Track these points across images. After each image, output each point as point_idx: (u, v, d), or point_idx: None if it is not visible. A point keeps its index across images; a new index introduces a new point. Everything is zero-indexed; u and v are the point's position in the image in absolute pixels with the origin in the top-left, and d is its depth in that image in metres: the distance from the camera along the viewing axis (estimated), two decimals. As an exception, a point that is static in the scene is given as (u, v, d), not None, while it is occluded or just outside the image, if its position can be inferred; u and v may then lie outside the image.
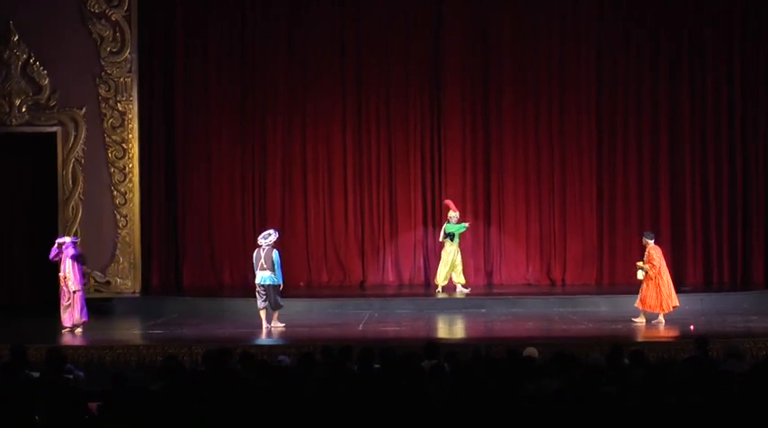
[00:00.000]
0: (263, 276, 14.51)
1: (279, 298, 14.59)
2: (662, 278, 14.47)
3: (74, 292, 14.53)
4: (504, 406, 6.99)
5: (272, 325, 14.49)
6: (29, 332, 14.92)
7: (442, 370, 8.19)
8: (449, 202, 17.93)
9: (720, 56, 18.90)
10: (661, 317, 14.49)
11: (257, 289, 14.60)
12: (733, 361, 9.13)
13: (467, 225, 17.72)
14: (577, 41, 19.12)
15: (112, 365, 12.47)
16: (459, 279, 17.41)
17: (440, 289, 17.44)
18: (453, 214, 17.53)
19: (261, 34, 19.16)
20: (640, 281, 14.53)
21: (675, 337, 13.46)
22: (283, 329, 14.44)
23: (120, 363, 12.54)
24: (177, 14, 18.94)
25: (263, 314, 14.56)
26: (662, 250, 14.85)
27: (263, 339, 13.88)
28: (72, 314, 14.55)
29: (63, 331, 14.56)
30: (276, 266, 14.44)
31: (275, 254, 14.52)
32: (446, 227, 17.50)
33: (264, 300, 14.52)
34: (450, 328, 15.53)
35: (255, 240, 19.06)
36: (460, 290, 17.35)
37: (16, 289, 18.56)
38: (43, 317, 16.64)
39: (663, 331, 14.05)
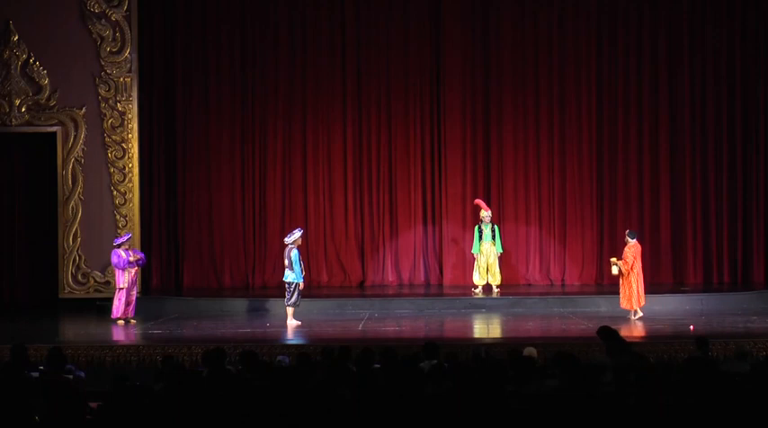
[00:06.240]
0: (285, 274, 15.00)
1: (296, 297, 14.88)
2: (636, 275, 14.80)
3: (118, 289, 15.40)
4: (503, 406, 6.99)
5: (287, 321, 14.81)
6: (29, 332, 14.92)
7: (441, 371, 8.18)
8: (479, 202, 17.90)
9: (721, 56, 18.91)
10: (632, 315, 14.91)
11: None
12: (737, 361, 9.14)
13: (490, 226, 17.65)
14: (577, 41, 19.12)
15: (112, 365, 12.48)
16: (494, 280, 17.39)
17: (479, 289, 17.40)
18: (486, 214, 17.51)
19: (261, 34, 19.17)
20: (615, 276, 15.01)
21: (675, 337, 13.45)
22: (297, 326, 14.65)
23: (120, 363, 12.54)
24: (177, 14, 18.95)
25: (288, 311, 14.94)
26: (641, 249, 15.17)
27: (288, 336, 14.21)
28: (118, 308, 15.33)
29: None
30: (294, 264, 14.83)
31: (293, 253, 14.91)
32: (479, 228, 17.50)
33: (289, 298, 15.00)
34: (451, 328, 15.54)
35: (255, 240, 19.30)
36: (495, 291, 17.34)
37: (16, 289, 18.56)
38: (43, 317, 16.66)
39: (642, 328, 14.30)
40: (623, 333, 13.84)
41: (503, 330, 15.13)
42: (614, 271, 14.87)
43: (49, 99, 17.79)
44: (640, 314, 14.92)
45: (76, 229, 17.75)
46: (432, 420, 6.86)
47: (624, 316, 14.98)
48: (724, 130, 18.95)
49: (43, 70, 17.76)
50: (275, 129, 19.27)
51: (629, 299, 14.87)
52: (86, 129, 17.82)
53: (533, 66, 19.15)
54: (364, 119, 19.34)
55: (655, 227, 19.00)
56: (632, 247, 14.88)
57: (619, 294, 15.09)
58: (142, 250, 17.71)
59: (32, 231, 18.41)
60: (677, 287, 18.31)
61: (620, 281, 14.96)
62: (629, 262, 14.77)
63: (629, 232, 15.14)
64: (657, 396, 7.02)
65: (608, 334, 9.75)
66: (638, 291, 14.84)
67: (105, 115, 17.85)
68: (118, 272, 15.29)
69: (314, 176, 19.31)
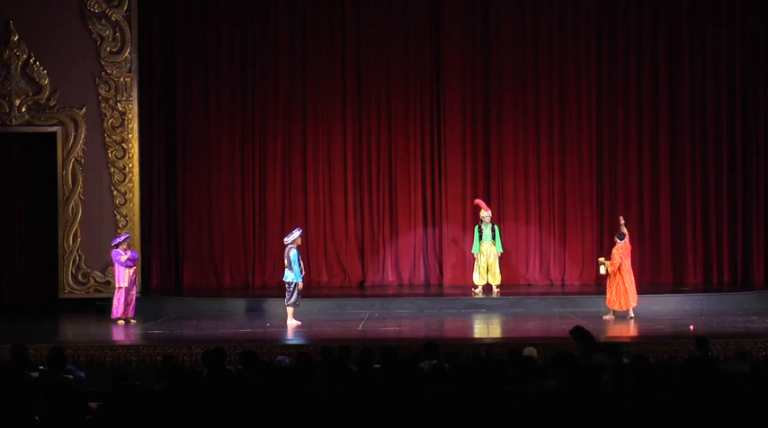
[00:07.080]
0: (285, 274, 15.05)
1: (295, 297, 14.88)
2: (622, 276, 14.85)
3: (117, 288, 15.38)
4: (503, 406, 6.99)
5: (287, 321, 14.81)
6: (29, 332, 14.91)
7: (441, 370, 8.18)
8: (479, 202, 17.92)
9: (721, 56, 18.91)
10: (624, 313, 15.00)
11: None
12: (737, 361, 9.14)
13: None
14: (577, 41, 19.12)
15: (112, 365, 12.48)
16: (494, 280, 17.40)
17: (479, 289, 17.41)
18: (486, 214, 17.52)
19: (261, 34, 19.17)
20: (603, 276, 15.15)
21: (675, 337, 13.46)
22: (297, 326, 14.65)
23: (120, 363, 12.54)
24: (177, 14, 18.95)
25: (288, 311, 14.94)
26: (631, 249, 15.23)
27: (288, 336, 14.19)
28: (117, 308, 15.30)
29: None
30: (293, 264, 14.87)
31: (292, 253, 14.94)
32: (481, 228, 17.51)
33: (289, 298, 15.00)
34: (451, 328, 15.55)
35: (255, 240, 19.30)
36: (495, 291, 17.35)
37: (16, 289, 18.55)
38: (43, 317, 16.66)
39: (633, 328, 14.38)
40: (624, 332, 13.93)
41: (503, 330, 15.13)
42: (602, 270, 15.00)
43: (49, 99, 17.79)
44: (611, 316, 14.96)
45: (76, 229, 17.74)
46: (432, 420, 6.86)
47: (623, 317, 14.99)
48: (724, 130, 18.95)
49: (43, 70, 17.76)
50: (275, 129, 19.27)
51: (619, 299, 14.89)
52: (86, 129, 17.82)
53: (533, 66, 19.15)
54: (364, 119, 19.34)
55: (655, 227, 19.00)
56: (620, 248, 14.93)
57: (606, 294, 15.13)
58: (142, 250, 17.75)
59: (32, 231, 18.41)
60: (677, 287, 18.31)
61: (608, 281, 15.02)
62: (616, 262, 14.81)
63: (618, 234, 15.19)
64: (657, 396, 7.03)
65: (581, 335, 9.76)
66: (626, 291, 14.86)
67: (105, 115, 17.85)
68: (119, 270, 15.24)
69: (314, 176, 19.31)
